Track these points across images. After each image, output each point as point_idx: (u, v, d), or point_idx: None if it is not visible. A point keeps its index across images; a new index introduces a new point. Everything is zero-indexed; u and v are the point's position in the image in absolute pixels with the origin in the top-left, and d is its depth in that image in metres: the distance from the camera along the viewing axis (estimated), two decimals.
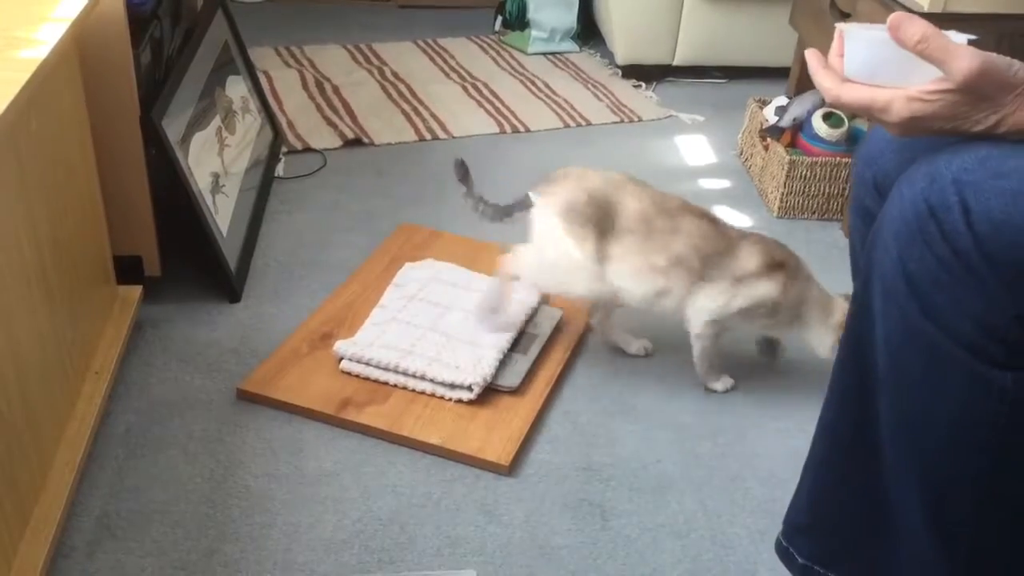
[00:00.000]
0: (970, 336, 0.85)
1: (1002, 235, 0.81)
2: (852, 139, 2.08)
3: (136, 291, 1.61)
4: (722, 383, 1.57)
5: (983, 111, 0.83)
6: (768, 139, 2.17)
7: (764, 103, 2.29)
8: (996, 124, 0.84)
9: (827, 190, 2.08)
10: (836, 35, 0.90)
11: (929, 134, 0.87)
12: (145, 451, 1.38)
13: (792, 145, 2.12)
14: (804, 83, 2.30)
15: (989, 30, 1.63)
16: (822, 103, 2.10)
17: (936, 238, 0.84)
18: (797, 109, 2.11)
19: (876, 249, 0.91)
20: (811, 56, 0.92)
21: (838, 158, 2.05)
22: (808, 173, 2.06)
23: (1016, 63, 0.82)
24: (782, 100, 2.23)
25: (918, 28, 0.81)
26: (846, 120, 2.07)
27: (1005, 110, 0.83)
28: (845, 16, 1.98)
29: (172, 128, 1.62)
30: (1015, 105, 0.83)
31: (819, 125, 2.06)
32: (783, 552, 1.14)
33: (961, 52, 0.81)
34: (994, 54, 0.82)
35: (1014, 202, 0.81)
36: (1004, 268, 0.82)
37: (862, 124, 2.12)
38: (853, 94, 0.88)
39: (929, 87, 0.83)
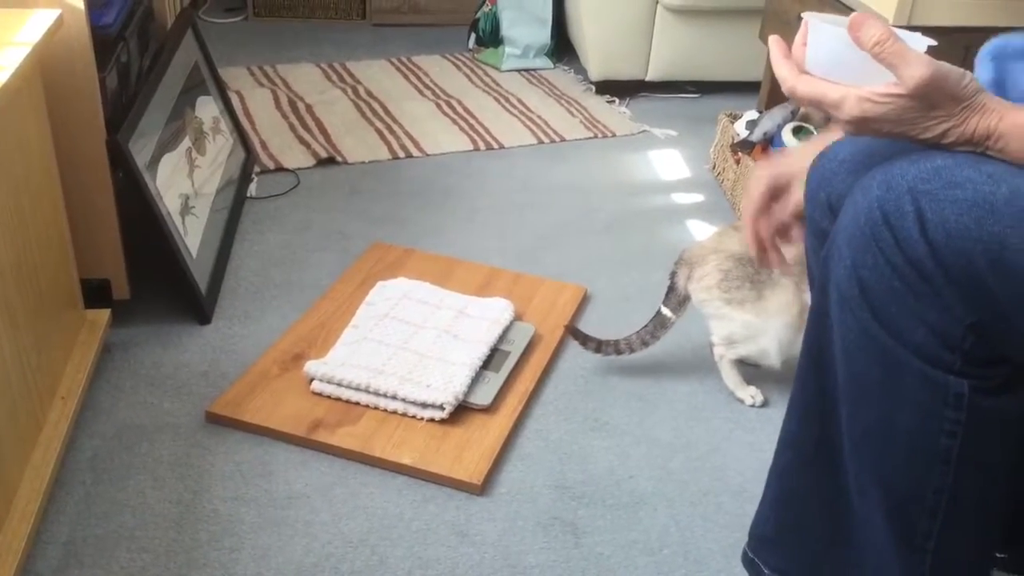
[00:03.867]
0: (924, 345, 0.86)
1: (957, 244, 0.82)
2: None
3: (104, 315, 1.59)
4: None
5: (932, 120, 0.84)
6: (739, 153, 2.18)
7: (735, 117, 2.31)
8: (943, 134, 0.85)
9: None
10: (802, 24, 0.91)
11: (878, 135, 0.88)
12: (112, 476, 1.36)
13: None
14: (774, 97, 2.31)
15: (954, 42, 1.65)
16: (792, 117, 2.12)
17: (890, 245, 0.85)
18: (767, 123, 2.12)
19: (831, 258, 0.92)
20: (774, 44, 0.93)
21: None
22: None
23: (969, 76, 0.83)
24: (753, 114, 2.24)
25: (876, 31, 0.82)
26: (815, 134, 2.08)
27: (953, 121, 0.84)
28: None
29: (140, 150, 1.61)
30: (963, 117, 0.84)
31: (789, 139, 2.07)
32: (749, 564, 1.14)
33: (914, 60, 0.82)
34: (948, 65, 0.83)
35: (969, 212, 0.82)
36: (958, 277, 0.83)
37: None
38: (807, 87, 0.89)
39: (881, 89, 0.84)
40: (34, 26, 1.32)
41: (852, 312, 0.89)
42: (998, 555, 1.18)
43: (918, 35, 0.87)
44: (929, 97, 0.83)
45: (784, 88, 0.91)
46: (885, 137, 0.88)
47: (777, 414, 1.56)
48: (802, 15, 0.92)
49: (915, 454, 0.91)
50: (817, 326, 0.96)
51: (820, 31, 0.88)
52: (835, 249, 0.90)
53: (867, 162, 0.98)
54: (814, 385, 0.99)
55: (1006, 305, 0.83)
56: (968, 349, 0.85)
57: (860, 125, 0.87)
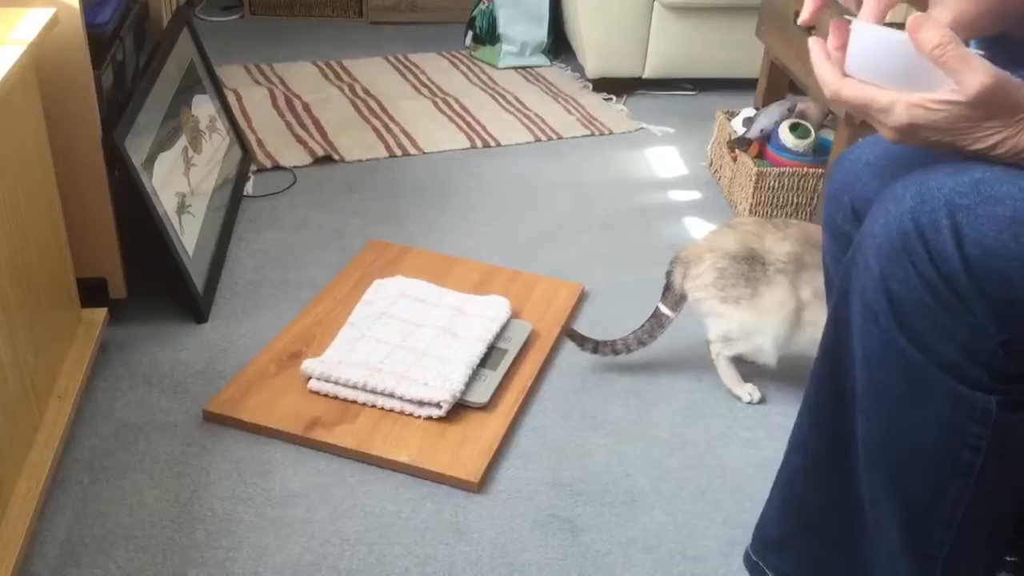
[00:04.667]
0: (953, 360, 0.84)
1: (994, 262, 0.80)
2: (818, 150, 2.09)
3: (101, 314, 1.59)
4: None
5: (986, 130, 0.81)
6: (736, 150, 2.18)
7: (732, 115, 2.31)
8: (995, 145, 0.82)
9: (795, 200, 2.09)
10: (832, 27, 0.87)
11: (923, 145, 0.84)
12: (110, 475, 1.36)
13: (760, 156, 2.13)
14: (771, 94, 2.31)
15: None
16: (789, 114, 2.12)
17: (923, 259, 0.82)
18: (764, 120, 2.12)
19: (856, 265, 0.89)
20: (815, 45, 0.88)
21: (805, 168, 2.07)
22: (776, 183, 2.07)
23: None
24: (750, 112, 2.24)
25: (937, 33, 0.78)
26: (812, 131, 2.08)
27: (1008, 131, 0.81)
28: (809, 29, 1.99)
29: (136, 149, 1.61)
30: (1018, 128, 0.81)
31: (786, 136, 2.07)
32: (752, 566, 1.13)
33: (977, 65, 0.78)
34: (1008, 73, 0.79)
35: (1008, 229, 0.79)
36: (993, 295, 0.81)
37: (828, 135, 2.14)
38: (854, 91, 0.85)
39: (936, 96, 0.80)
40: (29, 25, 1.31)
41: (878, 323, 0.87)
42: (1008, 558, 1.17)
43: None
44: (988, 106, 0.79)
45: (827, 91, 0.87)
46: (931, 147, 0.84)
47: (775, 411, 1.56)
48: (844, 17, 0.88)
49: (935, 467, 0.89)
50: (835, 332, 0.94)
51: (864, 34, 0.84)
52: (861, 258, 0.88)
53: (892, 165, 0.96)
54: (829, 390, 0.97)
55: None
56: (997, 366, 0.84)
57: (907, 133, 0.83)
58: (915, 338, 0.85)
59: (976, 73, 0.78)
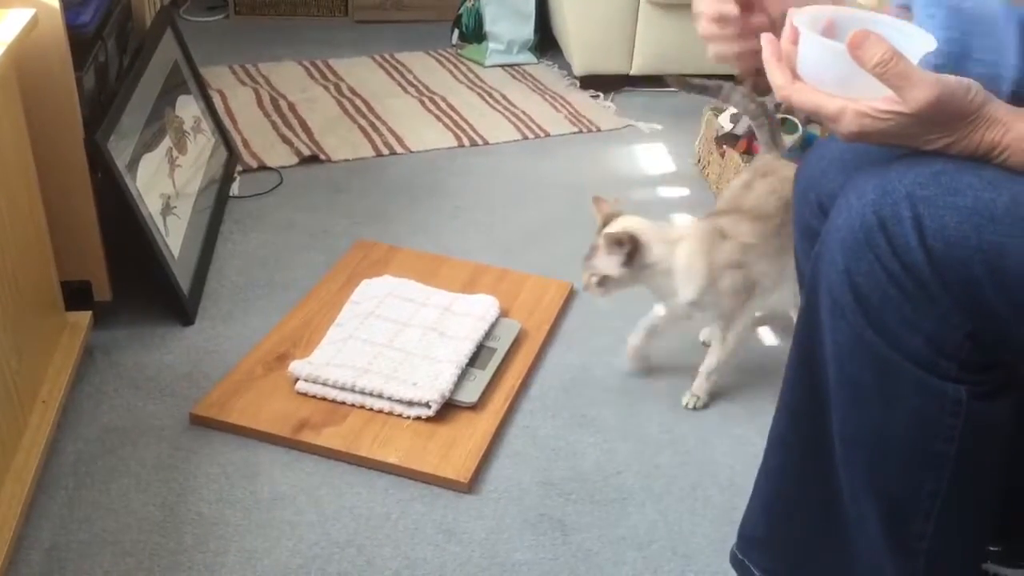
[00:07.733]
0: (921, 352, 0.85)
1: (956, 252, 0.80)
2: (806, 145, 2.09)
3: (85, 317, 1.58)
4: None
5: (935, 134, 0.82)
6: (724, 147, 2.18)
7: (719, 111, 2.30)
8: (947, 147, 0.82)
9: None
10: (788, 19, 0.87)
11: (878, 145, 0.86)
12: (96, 480, 1.35)
13: (747, 152, 2.13)
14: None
15: None
16: (776, 110, 2.11)
17: (886, 252, 0.83)
18: None
19: (822, 260, 0.89)
20: (766, 44, 0.89)
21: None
22: None
23: (974, 87, 0.80)
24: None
25: (878, 50, 0.78)
26: (800, 127, 2.08)
27: (957, 135, 0.81)
28: None
29: (119, 151, 1.60)
30: (968, 130, 0.81)
31: None
32: (738, 564, 1.13)
33: (919, 80, 0.78)
34: (953, 79, 0.79)
35: (968, 219, 0.80)
36: (956, 286, 0.81)
37: (815, 130, 2.14)
38: (803, 97, 0.85)
39: (881, 105, 0.80)
40: (8, 26, 1.30)
41: (845, 318, 0.87)
42: (991, 548, 1.18)
43: (916, 30, 0.83)
44: (933, 117, 0.80)
45: (778, 95, 0.87)
46: (886, 146, 0.85)
47: (765, 408, 1.55)
48: (789, 12, 0.88)
49: (910, 459, 0.90)
50: (807, 326, 0.94)
51: (812, 42, 0.84)
52: (827, 252, 0.88)
53: (856, 160, 0.96)
54: (804, 386, 0.97)
55: (1004, 313, 0.81)
56: (965, 357, 0.84)
57: (859, 139, 0.84)
58: (882, 331, 0.85)
59: (918, 89, 0.78)
